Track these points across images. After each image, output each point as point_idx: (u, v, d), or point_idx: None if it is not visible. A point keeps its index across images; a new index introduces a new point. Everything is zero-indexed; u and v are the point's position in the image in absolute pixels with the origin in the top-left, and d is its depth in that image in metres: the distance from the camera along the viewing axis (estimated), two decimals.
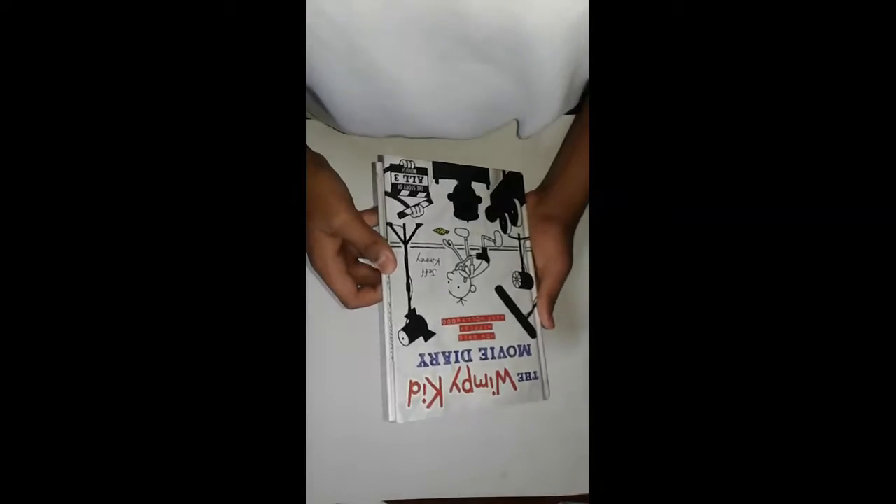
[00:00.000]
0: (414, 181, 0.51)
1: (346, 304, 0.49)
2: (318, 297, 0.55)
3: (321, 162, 0.51)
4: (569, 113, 0.62)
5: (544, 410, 0.55)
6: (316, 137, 0.61)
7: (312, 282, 0.53)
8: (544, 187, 0.58)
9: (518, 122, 0.61)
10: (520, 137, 0.63)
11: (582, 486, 0.56)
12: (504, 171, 0.57)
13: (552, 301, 0.53)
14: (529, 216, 0.56)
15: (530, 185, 0.58)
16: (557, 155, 0.60)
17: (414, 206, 0.51)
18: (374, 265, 0.47)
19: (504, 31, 0.42)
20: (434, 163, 0.53)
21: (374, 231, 0.48)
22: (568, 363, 0.57)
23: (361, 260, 0.51)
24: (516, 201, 0.56)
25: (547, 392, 0.53)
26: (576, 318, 0.60)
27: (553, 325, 0.53)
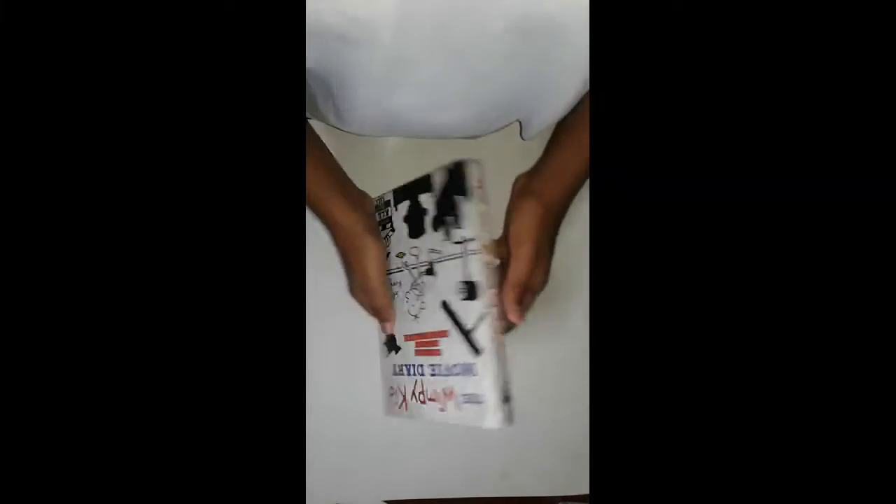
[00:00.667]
0: (383, 215, 0.55)
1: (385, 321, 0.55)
2: (317, 299, 0.55)
3: (368, 233, 0.52)
4: None
5: (544, 410, 0.55)
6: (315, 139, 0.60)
7: (312, 283, 0.53)
8: (535, 169, 0.55)
9: (521, 123, 0.60)
10: (523, 139, 0.62)
11: (582, 486, 0.56)
12: (447, 168, 0.49)
13: (520, 288, 0.47)
14: (518, 197, 0.52)
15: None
16: (549, 139, 0.58)
17: (384, 238, 0.54)
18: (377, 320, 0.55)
19: (524, 17, 0.41)
20: (394, 190, 0.54)
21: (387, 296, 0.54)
22: (558, 351, 0.56)
23: None
24: (457, 199, 0.47)
25: (499, 420, 0.44)
26: (563, 301, 0.57)
27: (520, 319, 0.47)
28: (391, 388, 0.54)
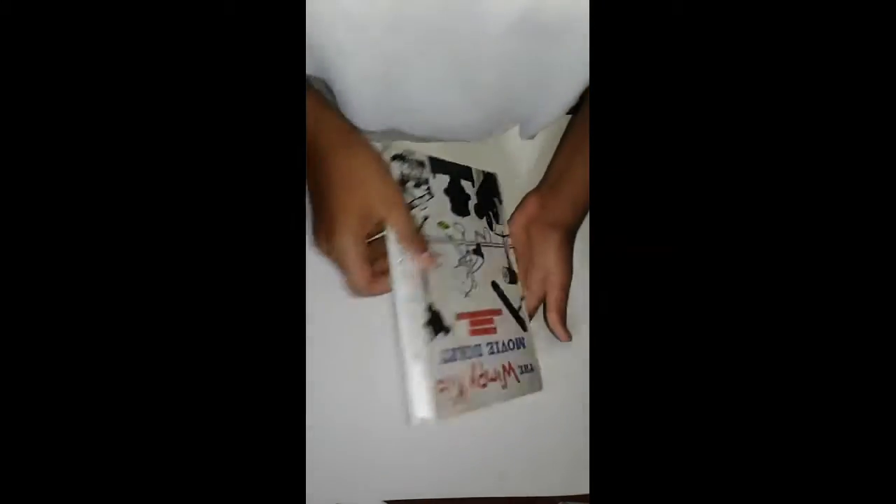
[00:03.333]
0: (417, 173, 0.51)
1: (360, 292, 0.45)
2: (318, 297, 0.55)
3: (357, 136, 0.46)
4: (567, 113, 0.62)
5: (544, 410, 0.55)
6: None
7: (313, 281, 0.53)
8: (550, 188, 0.57)
9: (520, 123, 0.60)
10: (522, 137, 0.62)
11: (582, 486, 0.56)
12: (483, 172, 0.57)
13: (563, 313, 0.54)
14: (532, 221, 0.56)
15: (524, 186, 0.58)
16: (557, 154, 0.60)
17: (418, 198, 0.50)
18: (413, 258, 0.45)
19: (523, 19, 0.41)
20: (430, 157, 0.53)
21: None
22: (566, 359, 0.56)
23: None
24: (496, 201, 0.57)
25: (540, 383, 0.54)
26: (572, 314, 0.59)
27: (569, 338, 0.54)
28: (440, 381, 0.45)
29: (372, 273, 0.45)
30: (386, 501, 0.55)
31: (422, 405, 0.44)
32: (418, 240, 0.45)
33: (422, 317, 0.45)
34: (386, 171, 0.45)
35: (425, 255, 0.45)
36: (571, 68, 0.48)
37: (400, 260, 0.46)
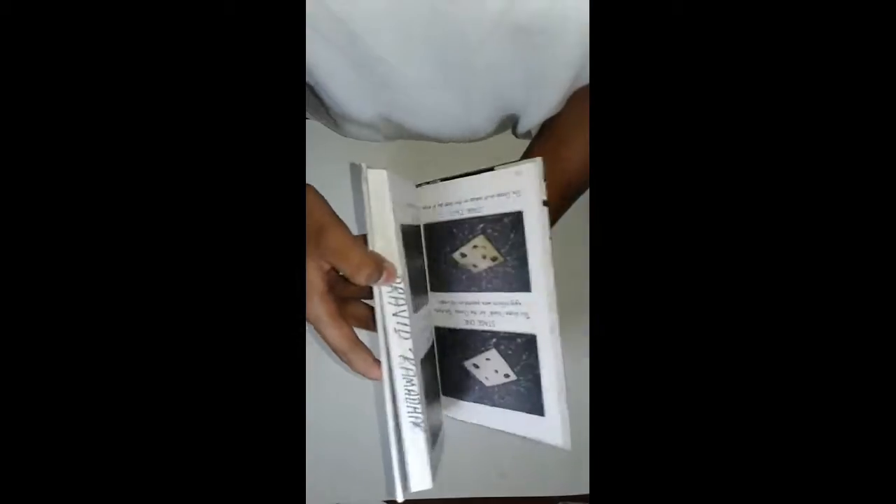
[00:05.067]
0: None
1: (344, 356, 0.39)
2: None
3: None
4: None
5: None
6: (315, 139, 0.60)
7: None
8: None
9: (513, 121, 0.60)
10: (516, 136, 0.61)
11: (582, 486, 0.56)
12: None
13: None
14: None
15: None
16: None
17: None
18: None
19: (509, 13, 0.40)
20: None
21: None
22: (566, 359, 0.56)
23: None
24: None
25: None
26: (562, 301, 0.57)
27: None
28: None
29: (353, 333, 0.39)
30: (386, 501, 0.55)
31: (423, 477, 0.38)
32: (375, 263, 0.36)
33: (419, 379, 0.38)
34: (327, 207, 0.38)
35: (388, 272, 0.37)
36: (562, 62, 0.47)
37: (395, 311, 0.38)
